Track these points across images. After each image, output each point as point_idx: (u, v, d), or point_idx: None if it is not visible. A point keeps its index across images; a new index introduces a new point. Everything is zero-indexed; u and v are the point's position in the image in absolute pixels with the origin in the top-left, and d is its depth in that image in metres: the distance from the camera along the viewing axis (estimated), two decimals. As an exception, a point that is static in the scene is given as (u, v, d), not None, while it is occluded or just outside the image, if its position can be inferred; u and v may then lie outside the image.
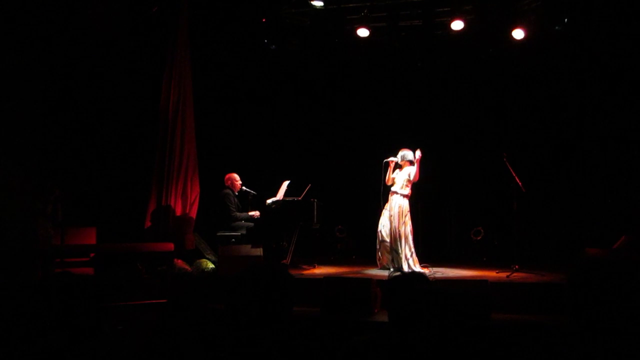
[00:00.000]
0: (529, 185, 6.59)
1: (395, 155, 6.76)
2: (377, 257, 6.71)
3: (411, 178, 6.55)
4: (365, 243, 8.21)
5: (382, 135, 8.41)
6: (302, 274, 6.45)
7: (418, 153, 6.48)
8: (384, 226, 6.61)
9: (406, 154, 6.67)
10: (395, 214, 6.53)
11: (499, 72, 8.33)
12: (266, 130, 8.90)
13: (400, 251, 6.47)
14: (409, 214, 6.56)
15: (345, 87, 8.98)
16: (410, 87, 8.70)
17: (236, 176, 7.16)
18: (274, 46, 8.21)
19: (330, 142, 9.02)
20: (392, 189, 6.66)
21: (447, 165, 8.64)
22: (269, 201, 7.06)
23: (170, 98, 7.24)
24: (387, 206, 6.64)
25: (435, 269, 6.63)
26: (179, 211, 7.22)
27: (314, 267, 7.04)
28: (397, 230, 6.50)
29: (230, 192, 7.06)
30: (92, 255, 6.54)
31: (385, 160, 6.71)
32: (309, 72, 8.83)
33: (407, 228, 6.50)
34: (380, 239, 6.68)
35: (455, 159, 8.67)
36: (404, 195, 6.60)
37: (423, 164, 6.63)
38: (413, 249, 6.52)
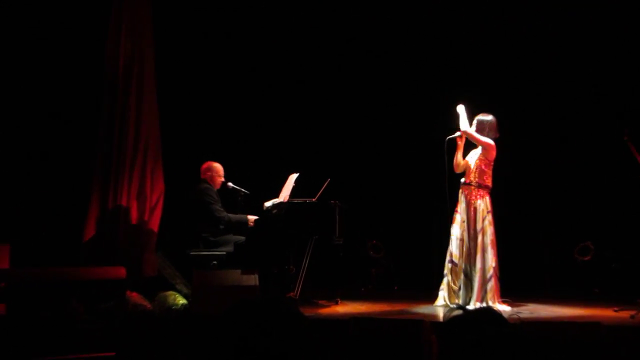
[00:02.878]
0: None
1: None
2: (442, 287, 6.72)
3: (488, 155, 6.54)
4: (413, 266, 8.60)
5: (435, 109, 8.30)
6: (319, 314, 6.49)
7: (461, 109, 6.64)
8: (455, 238, 6.67)
9: (484, 119, 6.63)
10: (469, 218, 6.53)
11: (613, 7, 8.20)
12: (263, 102, 8.88)
13: (473, 274, 6.45)
14: (490, 217, 6.53)
15: (378, 41, 8.88)
16: (478, 38, 8.62)
17: (218, 166, 7.14)
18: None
19: (357, 117, 8.98)
20: (464, 180, 6.66)
21: (536, 152, 8.57)
22: (268, 204, 7.04)
23: (119, 56, 7.22)
24: (458, 207, 6.69)
25: (519, 306, 6.60)
26: (134, 219, 7.16)
27: (336, 303, 7.05)
28: (471, 242, 6.50)
29: (211, 187, 7.08)
30: (2, 285, 6.50)
31: (450, 137, 6.73)
32: (327, 23, 8.82)
33: (486, 237, 6.46)
34: (449, 258, 6.69)
35: (549, 142, 8.57)
36: (483, 188, 6.58)
37: (501, 151, 6.62)
38: (494, 269, 6.46)
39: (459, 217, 6.62)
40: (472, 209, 6.51)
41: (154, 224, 7.20)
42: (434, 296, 6.82)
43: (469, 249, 6.49)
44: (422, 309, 6.62)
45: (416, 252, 8.57)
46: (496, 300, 6.40)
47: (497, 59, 8.62)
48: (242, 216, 6.98)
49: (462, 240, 6.55)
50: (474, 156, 6.71)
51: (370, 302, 7.27)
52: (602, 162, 8.18)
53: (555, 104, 8.61)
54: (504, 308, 6.30)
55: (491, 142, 6.57)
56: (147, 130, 7.27)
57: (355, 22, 8.86)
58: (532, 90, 8.62)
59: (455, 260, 6.60)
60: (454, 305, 6.51)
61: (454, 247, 6.62)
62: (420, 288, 7.72)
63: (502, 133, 6.84)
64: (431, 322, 5.21)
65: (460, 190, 6.65)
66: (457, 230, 6.61)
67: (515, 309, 6.35)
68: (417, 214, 8.63)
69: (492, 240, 6.46)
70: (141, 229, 7.16)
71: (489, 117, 6.65)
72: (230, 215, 6.96)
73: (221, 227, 6.87)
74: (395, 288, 8.64)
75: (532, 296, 7.24)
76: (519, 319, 5.66)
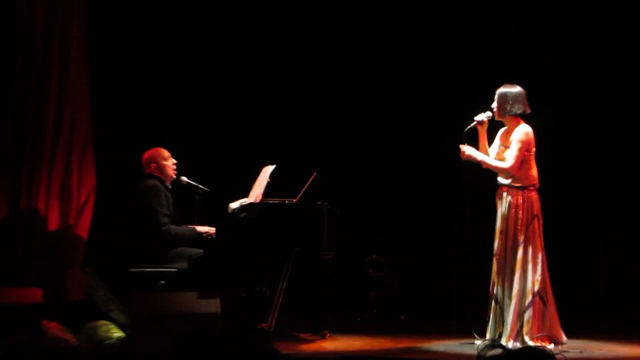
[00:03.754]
0: None
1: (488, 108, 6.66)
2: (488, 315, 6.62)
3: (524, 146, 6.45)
4: (424, 289, 8.81)
5: (450, 99, 8.53)
6: (300, 351, 6.46)
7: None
8: (494, 254, 6.64)
9: (507, 91, 6.50)
10: (508, 226, 6.46)
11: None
12: (229, 73, 8.89)
13: (506, 301, 6.40)
14: (536, 223, 6.42)
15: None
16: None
17: (159, 150, 6.94)
18: None
19: (355, 102, 9.09)
20: (501, 180, 6.61)
21: (590, 143, 8.63)
22: (234, 205, 6.89)
23: (35, 8, 7.23)
24: (498, 212, 6.66)
25: (569, 343, 6.45)
26: (54, 224, 7.17)
27: (324, 338, 7.10)
28: (508, 258, 6.45)
29: (160, 184, 6.83)
30: None
31: (468, 127, 6.69)
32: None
33: (528, 252, 6.36)
34: (493, 277, 6.68)
35: (607, 131, 8.59)
36: (525, 187, 6.47)
37: (544, 143, 6.61)
38: (536, 294, 6.32)
39: (499, 225, 6.59)
40: (511, 214, 6.43)
41: (82, 230, 7.23)
42: (452, 328, 6.89)
43: (503, 267, 6.44)
44: (436, 346, 6.54)
45: (429, 270, 8.63)
46: (535, 337, 6.19)
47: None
48: (190, 228, 6.84)
49: (498, 256, 6.50)
50: (510, 146, 6.65)
51: (367, 336, 7.26)
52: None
53: (608, 88, 8.62)
54: (548, 345, 6.17)
55: (525, 132, 6.45)
56: (73, 107, 7.27)
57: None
58: (583, 73, 8.68)
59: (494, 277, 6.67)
60: (487, 342, 6.36)
61: (496, 264, 6.63)
62: (434, 317, 7.82)
63: (544, 121, 6.76)
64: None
65: (497, 195, 6.60)
66: (495, 243, 6.60)
67: (560, 347, 6.16)
68: (429, 222, 8.68)
69: (536, 255, 6.34)
70: (64, 238, 7.18)
71: (515, 89, 6.51)
72: (172, 228, 6.72)
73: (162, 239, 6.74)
74: (401, 317, 8.67)
75: (583, 329, 7.16)
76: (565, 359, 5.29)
